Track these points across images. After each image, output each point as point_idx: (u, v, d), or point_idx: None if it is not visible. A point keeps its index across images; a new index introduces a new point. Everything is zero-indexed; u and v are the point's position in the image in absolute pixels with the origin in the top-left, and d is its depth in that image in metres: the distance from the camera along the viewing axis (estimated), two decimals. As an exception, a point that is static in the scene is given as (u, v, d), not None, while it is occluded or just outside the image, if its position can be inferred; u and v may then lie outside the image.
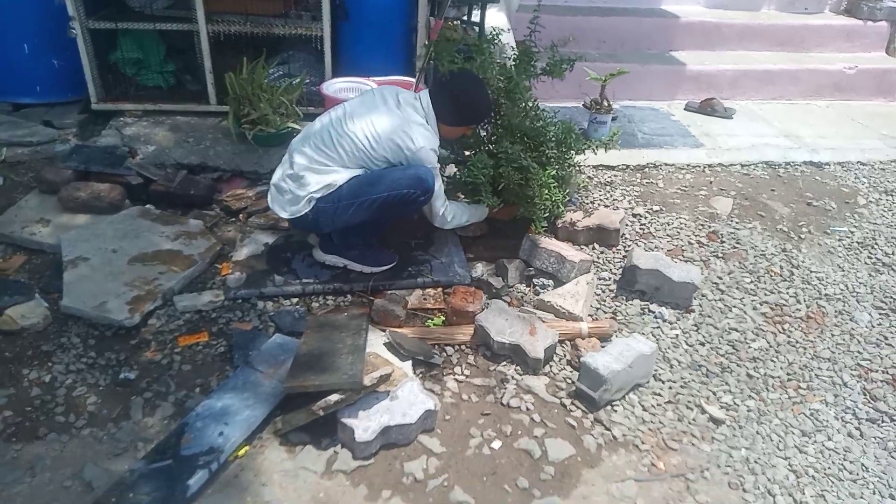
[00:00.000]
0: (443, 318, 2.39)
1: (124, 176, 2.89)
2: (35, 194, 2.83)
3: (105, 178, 2.88)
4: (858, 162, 3.69)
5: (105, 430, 1.80)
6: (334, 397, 1.78)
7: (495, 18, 3.63)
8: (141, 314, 2.21)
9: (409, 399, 1.89)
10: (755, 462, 1.89)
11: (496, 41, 2.69)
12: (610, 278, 2.63)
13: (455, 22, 3.30)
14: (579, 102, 4.05)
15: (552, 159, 2.65)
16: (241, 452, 1.76)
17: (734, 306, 2.52)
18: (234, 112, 3.16)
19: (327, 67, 3.42)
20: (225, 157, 3.12)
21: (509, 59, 2.64)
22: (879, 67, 4.59)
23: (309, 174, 2.31)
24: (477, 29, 3.35)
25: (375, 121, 2.32)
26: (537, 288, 2.56)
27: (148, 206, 2.85)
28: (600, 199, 3.12)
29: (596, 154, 2.78)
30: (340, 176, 2.31)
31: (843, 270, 2.78)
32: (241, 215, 2.88)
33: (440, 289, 2.52)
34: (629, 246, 2.81)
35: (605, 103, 3.56)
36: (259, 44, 3.38)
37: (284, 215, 2.40)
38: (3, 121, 3.34)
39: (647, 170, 3.45)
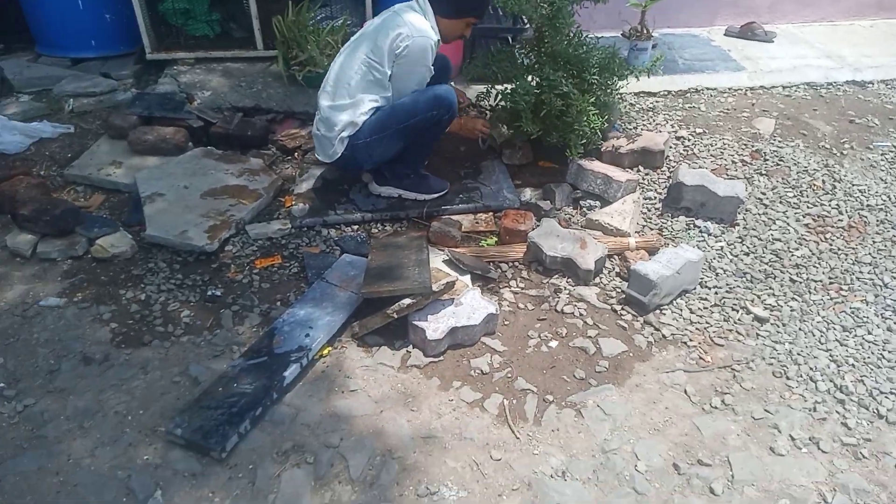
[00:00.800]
0: (495, 238, 2.53)
1: (185, 120, 3.06)
2: (105, 140, 3.02)
3: (168, 122, 3.04)
4: (903, 79, 3.66)
5: (201, 336, 2.01)
6: (406, 301, 1.95)
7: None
8: (219, 241, 2.40)
9: (472, 304, 2.05)
10: (798, 354, 2.01)
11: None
12: (655, 197, 2.72)
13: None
14: (617, 32, 4.05)
15: (594, 86, 2.71)
16: (325, 352, 1.95)
17: (777, 219, 2.59)
18: (283, 55, 3.28)
19: (368, 6, 3.50)
20: (277, 98, 3.25)
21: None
22: (928, -18, 4.46)
23: (333, 114, 2.43)
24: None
25: (373, 35, 2.39)
26: (584, 209, 2.67)
27: (209, 147, 3.01)
28: (643, 125, 3.18)
29: (638, 80, 2.83)
30: (361, 109, 2.40)
31: (886, 183, 2.81)
32: (296, 153, 3.03)
33: (491, 213, 2.66)
34: (673, 167, 2.89)
35: (645, 31, 3.57)
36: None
37: (326, 160, 2.54)
38: (65, 74, 3.52)
39: (688, 95, 3.48)
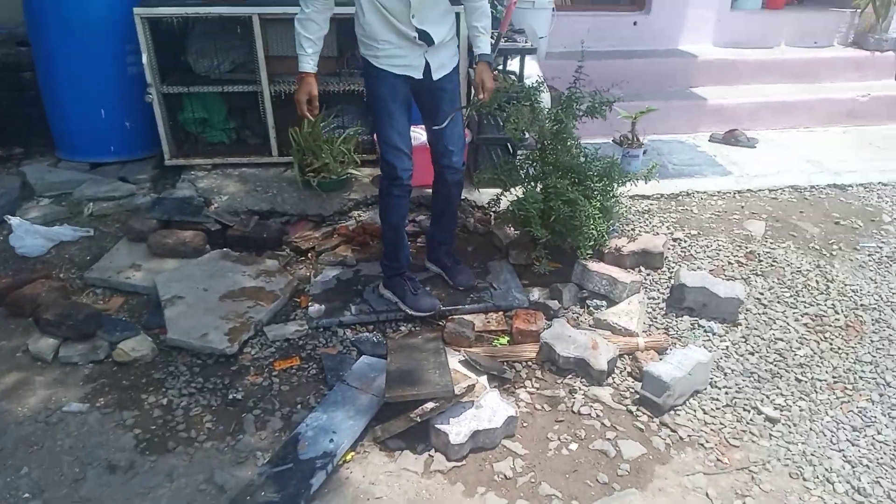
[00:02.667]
0: (507, 338, 2.60)
1: (203, 223, 3.18)
2: (124, 243, 3.11)
3: (186, 225, 3.16)
4: (880, 183, 3.89)
5: (225, 442, 2.02)
6: (429, 405, 1.99)
7: (528, 66, 3.94)
8: (239, 343, 2.45)
9: (492, 407, 2.09)
10: (812, 455, 2.06)
11: (542, 88, 2.97)
12: (659, 297, 2.83)
13: (494, 72, 3.60)
14: (608, 138, 4.33)
15: (596, 192, 2.89)
16: (349, 458, 1.96)
17: (777, 319, 2.70)
18: (299, 163, 3.46)
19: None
20: (291, 202, 3.40)
21: (559, 103, 2.92)
22: (890, 94, 4.84)
23: None
24: (513, 77, 3.65)
25: None
26: (591, 308, 2.77)
27: (226, 249, 3.11)
28: (641, 226, 3.35)
29: (636, 185, 3.01)
30: None
31: (876, 283, 2.96)
32: (309, 254, 3.14)
33: (501, 313, 2.74)
34: (673, 268, 3.02)
35: (636, 139, 3.82)
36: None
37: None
38: (85, 178, 3.67)
39: (680, 198, 3.69)
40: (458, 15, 2.69)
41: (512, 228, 3.14)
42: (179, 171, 3.74)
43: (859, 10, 5.27)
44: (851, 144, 4.50)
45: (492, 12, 3.87)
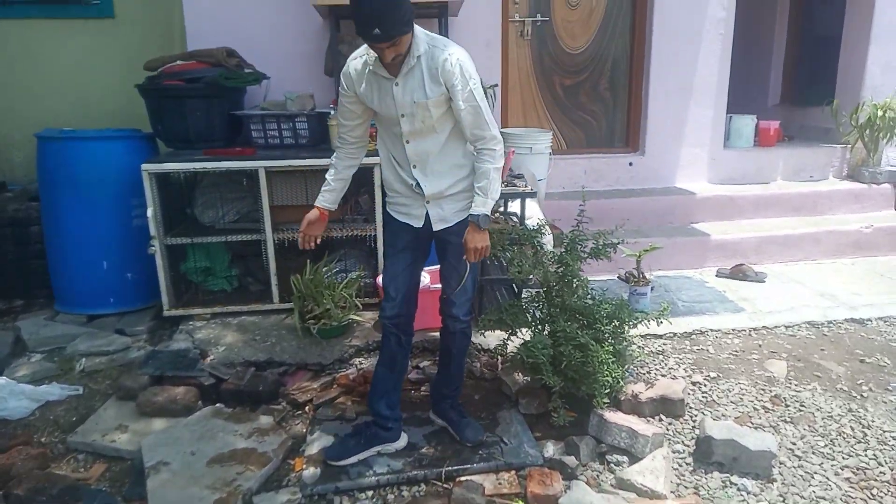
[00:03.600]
0: (521, 503, 2.35)
1: (197, 378, 3.04)
2: (113, 402, 2.96)
3: (179, 381, 3.02)
4: (899, 315, 3.78)
5: None
6: None
7: (528, 207, 3.99)
8: (224, 518, 2.22)
9: None
10: None
11: (543, 230, 2.96)
12: (684, 451, 2.61)
13: (496, 215, 3.63)
14: (612, 274, 4.28)
15: (607, 335, 2.77)
16: None
17: (815, 473, 2.46)
18: (299, 310, 3.38)
19: (380, 261, 3.71)
20: (290, 351, 3.28)
21: (561, 243, 2.90)
22: (893, 225, 4.85)
23: None
24: (515, 218, 3.67)
25: None
26: (612, 465, 2.54)
27: (218, 404, 2.95)
28: (656, 369, 3.18)
29: (648, 327, 2.90)
30: None
31: (917, 427, 2.74)
32: (307, 407, 2.96)
33: (514, 472, 2.51)
34: (695, 415, 2.82)
35: (643, 276, 3.76)
36: (317, 247, 3.70)
37: None
38: (80, 332, 3.58)
39: (694, 336, 3.55)
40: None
41: (521, 375, 2.98)
42: (178, 320, 3.66)
43: (850, 146, 5.44)
44: (862, 276, 4.42)
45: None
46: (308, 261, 3.52)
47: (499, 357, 3.20)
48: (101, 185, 3.69)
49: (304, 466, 2.51)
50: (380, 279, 3.47)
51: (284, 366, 3.20)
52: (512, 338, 2.90)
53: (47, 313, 3.87)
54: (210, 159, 3.57)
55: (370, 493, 2.41)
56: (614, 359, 2.71)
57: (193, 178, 3.88)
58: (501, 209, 3.84)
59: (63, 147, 3.69)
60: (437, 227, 2.42)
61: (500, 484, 2.46)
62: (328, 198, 2.54)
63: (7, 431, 2.74)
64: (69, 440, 2.66)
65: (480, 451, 2.58)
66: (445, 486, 2.43)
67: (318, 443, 2.65)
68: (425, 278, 3.44)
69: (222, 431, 2.71)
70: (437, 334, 3.36)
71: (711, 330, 3.61)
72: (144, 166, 3.47)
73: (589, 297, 2.88)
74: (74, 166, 3.67)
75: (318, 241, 2.63)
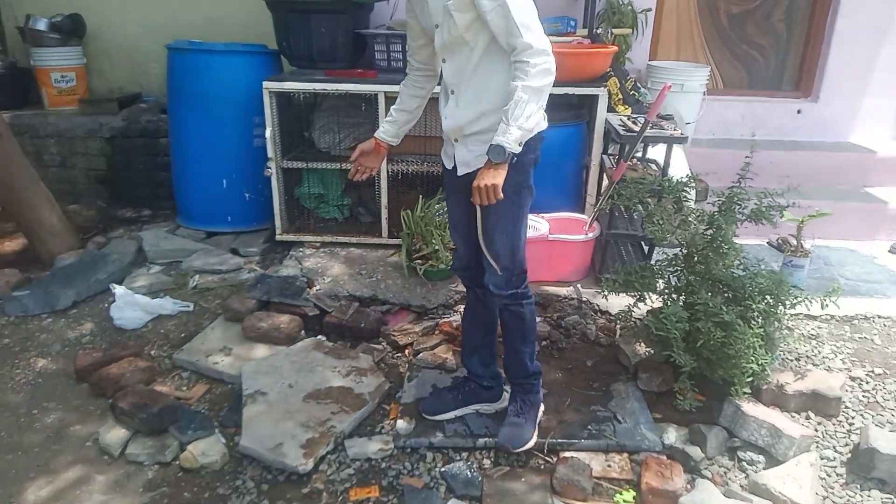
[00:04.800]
0: (633, 493, 2.08)
1: (302, 307, 2.97)
2: (220, 322, 2.96)
3: (285, 308, 2.97)
4: None
5: None
6: None
7: (674, 155, 3.51)
8: (314, 460, 2.13)
9: None
10: None
11: (690, 184, 2.53)
12: (835, 458, 2.20)
13: (633, 160, 3.20)
14: (762, 239, 3.73)
15: (758, 314, 2.35)
16: None
17: None
18: (407, 247, 3.20)
19: (497, 204, 3.42)
20: (394, 290, 3.13)
21: (704, 197, 2.46)
22: None
23: None
24: (656, 167, 3.23)
25: None
26: (745, 464, 2.19)
27: (320, 336, 2.88)
28: (807, 356, 2.72)
29: (809, 309, 2.43)
30: None
31: None
32: (406, 350, 2.82)
33: (626, 455, 2.23)
34: (852, 418, 2.37)
35: (801, 246, 3.21)
36: (431, 181, 3.49)
37: None
38: (197, 248, 3.64)
39: (856, 322, 3.00)
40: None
41: (644, 346, 2.64)
42: (289, 246, 3.62)
43: None
44: None
45: (634, 96, 3.54)
46: (421, 196, 3.31)
47: (619, 323, 2.87)
48: (225, 101, 3.64)
49: (399, 415, 2.37)
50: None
51: (388, 304, 3.07)
52: (639, 304, 2.55)
53: (169, 226, 3.97)
54: (330, 80, 3.40)
55: (465, 454, 2.23)
56: (763, 342, 2.30)
57: (313, 100, 3.74)
58: (639, 154, 3.39)
59: (190, 59, 3.66)
60: (460, 171, 2.03)
61: (609, 466, 2.19)
62: (387, 129, 2.23)
63: (121, 341, 2.82)
64: (175, 357, 2.69)
65: (590, 426, 2.31)
66: (548, 459, 2.20)
67: (414, 391, 2.50)
68: (542, 226, 3.13)
69: (321, 366, 2.63)
70: (553, 289, 3.10)
71: (879, 316, 3.04)
72: (265, 84, 3.36)
73: (740, 266, 2.45)
74: (200, 79, 3.63)
75: (373, 173, 2.35)
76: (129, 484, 2.04)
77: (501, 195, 1.84)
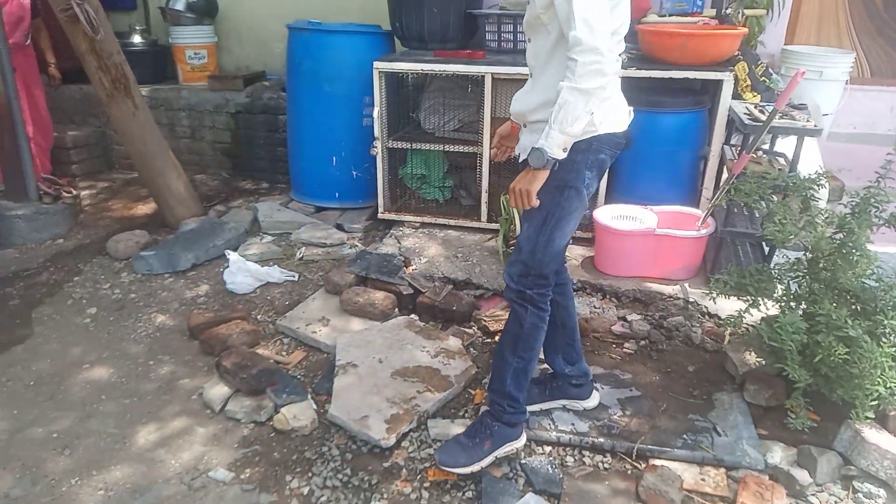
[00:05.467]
0: (728, 511, 1.94)
1: (397, 285, 3.02)
2: (321, 293, 3.08)
3: (381, 285, 3.03)
4: None
5: (349, 568, 1.71)
6: None
7: (805, 148, 3.20)
8: (397, 436, 2.16)
9: None
10: None
11: (821, 181, 2.28)
12: (975, 504, 1.92)
13: (758, 153, 2.95)
14: (892, 246, 3.32)
15: (890, 332, 2.09)
16: None
17: None
18: (505, 232, 3.16)
19: (601, 193, 3.29)
20: (489, 275, 3.10)
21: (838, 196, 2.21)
22: None
23: None
24: (783, 161, 2.95)
25: None
26: (860, 496, 1.97)
27: (413, 315, 2.91)
28: (949, 385, 2.39)
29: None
30: None
31: None
32: (497, 336, 2.78)
33: (723, 470, 2.08)
34: None
35: (952, 257, 2.83)
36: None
37: None
38: (306, 222, 3.79)
39: None
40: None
41: (753, 356, 2.44)
42: (390, 224, 3.69)
43: None
44: None
45: (764, 82, 3.25)
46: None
47: (728, 328, 2.66)
48: (338, 80, 3.74)
49: (483, 401, 2.35)
50: (596, 213, 3.08)
51: (481, 289, 3.04)
52: (752, 310, 2.35)
53: (283, 199, 4.17)
54: (438, 61, 3.40)
55: (548, 448, 2.17)
56: (893, 363, 2.05)
57: (422, 81, 3.76)
58: (766, 146, 3.12)
59: (307, 38, 3.79)
60: (521, 157, 1.94)
61: (702, 480, 2.05)
62: None
63: (231, 304, 3.00)
64: (278, 323, 2.83)
65: (685, 435, 2.18)
66: (636, 465, 2.10)
67: (502, 379, 2.46)
68: (650, 218, 2.97)
69: (411, 344, 2.66)
70: (657, 286, 2.93)
71: None
72: (376, 64, 3.41)
73: (873, 276, 2.19)
74: (316, 58, 3.76)
75: (514, 153, 2.22)
76: (225, 438, 2.17)
77: (535, 202, 1.77)
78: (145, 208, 4.16)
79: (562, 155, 1.70)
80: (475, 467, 1.98)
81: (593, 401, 2.28)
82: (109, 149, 5.03)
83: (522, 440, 2.07)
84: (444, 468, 1.98)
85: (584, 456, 2.14)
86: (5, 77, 3.53)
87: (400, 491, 1.98)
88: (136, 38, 4.94)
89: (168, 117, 4.79)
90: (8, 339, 2.69)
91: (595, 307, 2.87)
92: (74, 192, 3.98)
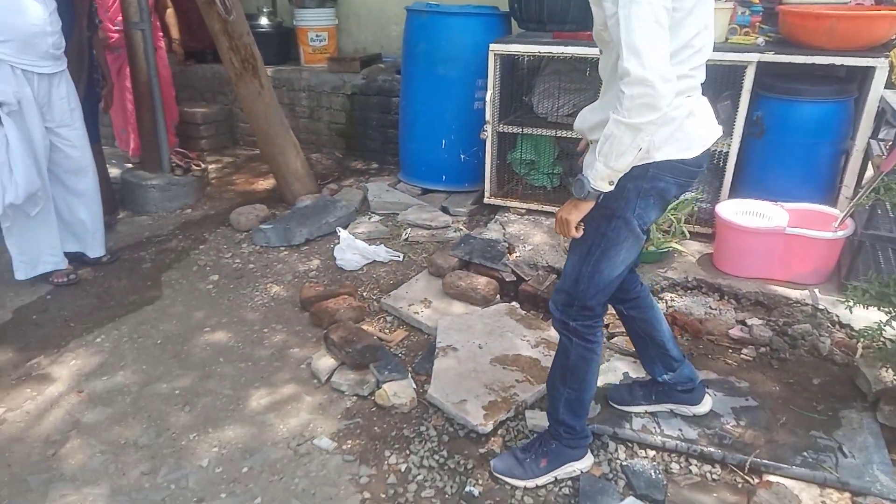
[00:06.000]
0: (852, 541, 1.77)
1: (500, 271, 2.99)
2: (424, 275, 3.11)
3: (483, 270, 3.01)
4: None
5: (442, 549, 1.73)
6: None
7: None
8: (494, 423, 2.15)
9: None
10: None
11: None
12: None
13: None
14: None
15: None
16: None
17: None
18: (616, 223, 3.03)
19: (725, 186, 3.08)
20: (597, 267, 2.99)
21: None
22: None
23: None
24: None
25: None
26: None
27: (514, 303, 2.88)
28: None
29: None
30: None
31: None
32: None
33: (848, 495, 1.90)
34: None
35: None
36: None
37: None
38: (412, 203, 3.84)
39: None
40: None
41: (891, 372, 2.21)
42: (495, 210, 3.66)
43: None
44: None
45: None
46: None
47: (862, 340, 2.42)
48: (452, 62, 3.74)
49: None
50: (719, 207, 2.89)
51: (588, 280, 2.95)
52: (893, 323, 2.11)
53: (391, 180, 4.25)
54: (557, 43, 3.30)
55: (651, 452, 2.08)
56: None
57: (536, 64, 3.68)
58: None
59: (424, 20, 3.80)
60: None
61: (823, 503, 1.88)
62: None
63: (339, 279, 3.11)
64: (382, 301, 2.89)
65: (805, 453, 2.01)
66: (748, 479, 1.96)
67: (605, 375, 2.38)
68: (779, 216, 2.74)
69: (511, 332, 2.64)
70: (783, 290, 2.72)
71: None
72: (492, 46, 3.37)
73: None
74: (431, 40, 3.77)
75: None
76: (330, 408, 2.26)
77: (575, 233, 1.67)
78: (265, 184, 4.38)
79: (607, 188, 1.58)
80: (530, 483, 1.94)
81: (704, 406, 2.15)
82: (235, 126, 5.34)
83: (587, 462, 1.99)
84: (497, 475, 1.96)
85: (690, 464, 2.03)
86: (148, 56, 3.82)
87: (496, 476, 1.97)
88: (263, 20, 5.18)
89: (289, 97, 5.00)
90: (140, 300, 2.94)
91: (711, 308, 2.70)
92: (203, 166, 4.26)
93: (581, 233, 1.69)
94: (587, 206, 1.63)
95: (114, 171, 4.04)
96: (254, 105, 3.83)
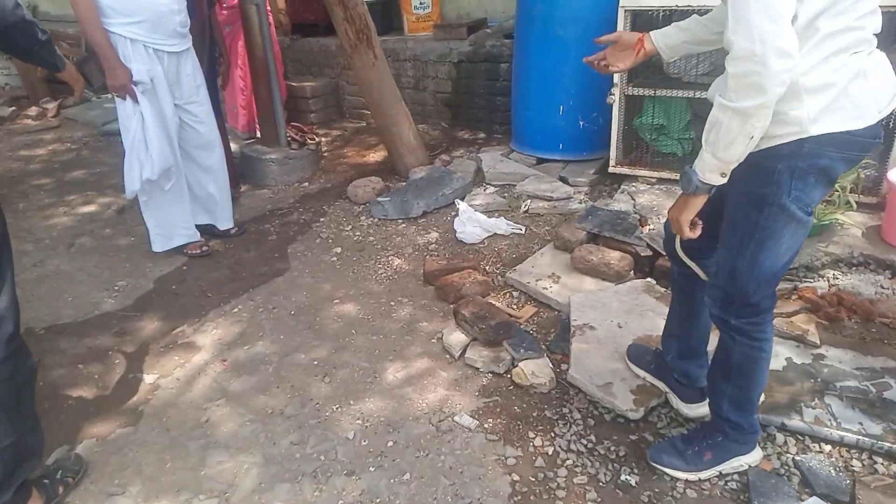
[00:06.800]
0: None
1: (633, 245, 2.80)
2: (549, 249, 2.97)
3: (614, 244, 2.83)
4: None
5: (605, 542, 1.61)
6: None
7: None
8: (645, 409, 2.00)
9: None
10: None
11: None
12: None
13: None
14: None
15: None
16: None
17: None
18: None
19: (895, 149, 2.73)
20: (742, 241, 2.74)
21: None
22: None
23: None
24: None
25: None
26: None
27: (650, 280, 2.69)
28: None
29: None
30: None
31: None
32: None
33: None
34: None
35: None
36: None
37: None
38: (529, 173, 3.69)
39: None
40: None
41: None
42: (620, 179, 3.45)
43: None
44: None
45: None
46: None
47: None
48: (573, 23, 3.53)
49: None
50: (891, 173, 2.56)
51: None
52: None
53: (503, 149, 4.11)
54: (692, -4, 3.02)
55: (827, 448, 1.87)
56: None
57: (668, 19, 3.39)
58: None
59: (543, -19, 3.60)
60: None
61: None
62: (668, 34, 1.70)
63: (460, 253, 3.02)
64: (507, 276, 2.78)
65: None
66: (953, 483, 1.72)
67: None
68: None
69: (652, 311, 2.46)
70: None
71: None
72: (623, 2, 3.13)
73: None
74: (551, 1, 3.56)
75: (613, 71, 1.84)
76: (466, 385, 2.18)
77: (690, 233, 1.47)
78: (376, 156, 4.36)
79: (719, 180, 1.36)
80: (692, 476, 1.78)
81: (694, 410, 1.98)
82: (342, 99, 5.35)
83: (755, 455, 1.80)
84: (654, 464, 1.81)
85: (875, 462, 1.81)
86: (263, 31, 3.84)
87: (652, 469, 1.83)
88: (368, -10, 5.11)
89: (395, 68, 4.93)
90: (270, 271, 2.98)
91: (883, 287, 2.41)
92: (317, 140, 4.28)
93: (698, 232, 1.50)
94: (699, 202, 1.44)
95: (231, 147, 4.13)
96: (368, 76, 3.78)
